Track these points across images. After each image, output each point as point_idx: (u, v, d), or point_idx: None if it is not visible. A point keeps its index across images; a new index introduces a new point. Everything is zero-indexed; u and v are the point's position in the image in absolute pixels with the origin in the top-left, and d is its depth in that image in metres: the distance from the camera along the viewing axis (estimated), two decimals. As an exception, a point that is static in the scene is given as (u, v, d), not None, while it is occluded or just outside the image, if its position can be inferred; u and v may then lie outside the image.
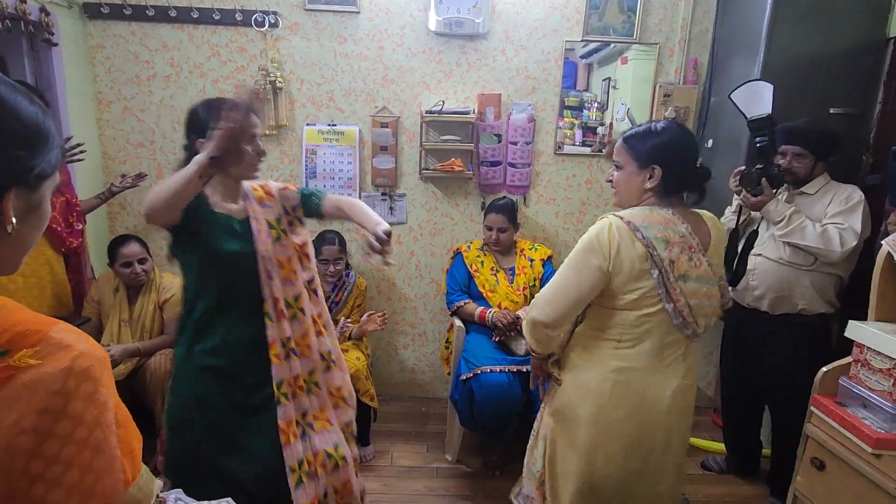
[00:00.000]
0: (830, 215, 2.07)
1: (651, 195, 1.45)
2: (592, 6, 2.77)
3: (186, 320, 1.56)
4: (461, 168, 2.84)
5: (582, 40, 2.81)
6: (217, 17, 2.70)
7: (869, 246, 2.07)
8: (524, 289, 2.66)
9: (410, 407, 3.11)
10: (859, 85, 2.39)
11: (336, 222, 2.97)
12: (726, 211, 2.35)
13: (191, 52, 2.77)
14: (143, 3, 2.68)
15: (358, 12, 2.75)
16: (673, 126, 1.47)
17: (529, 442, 1.73)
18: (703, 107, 2.84)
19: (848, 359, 1.70)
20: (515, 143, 2.91)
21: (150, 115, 2.82)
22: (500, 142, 2.90)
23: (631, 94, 2.86)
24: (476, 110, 2.83)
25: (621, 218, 1.40)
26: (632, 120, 2.85)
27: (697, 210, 1.51)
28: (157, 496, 0.72)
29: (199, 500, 0.80)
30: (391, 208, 2.99)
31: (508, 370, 2.36)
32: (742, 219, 2.23)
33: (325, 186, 2.91)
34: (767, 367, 2.24)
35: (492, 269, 2.72)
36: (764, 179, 2.05)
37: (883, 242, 1.70)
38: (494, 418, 2.35)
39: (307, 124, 2.86)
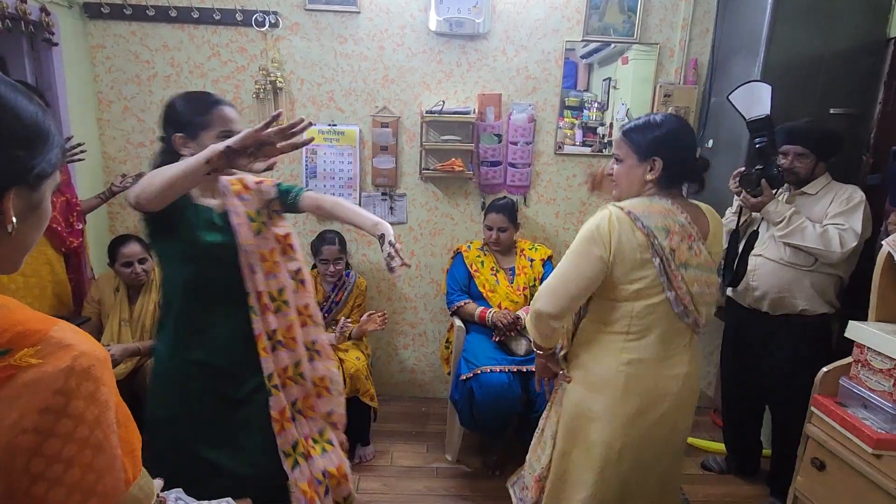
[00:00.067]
0: (831, 216, 2.07)
1: (651, 186, 1.47)
2: (593, 6, 2.77)
3: (166, 316, 1.54)
4: (461, 168, 2.84)
5: (582, 40, 2.81)
6: (217, 17, 2.70)
7: (869, 246, 2.07)
8: (524, 289, 2.66)
9: (410, 407, 3.11)
10: (859, 85, 2.39)
11: (335, 222, 2.97)
12: (727, 212, 2.35)
13: (191, 52, 2.77)
14: (144, 3, 2.68)
15: (358, 12, 2.75)
16: (671, 118, 1.49)
17: (533, 440, 1.73)
18: (703, 107, 2.84)
19: (848, 359, 1.70)
20: (516, 143, 2.91)
21: (151, 114, 2.82)
22: (500, 142, 2.90)
23: (631, 95, 2.86)
24: (476, 110, 2.83)
25: (621, 208, 1.42)
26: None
27: (695, 202, 1.54)
28: (157, 496, 0.72)
29: (198, 499, 0.81)
30: (391, 208, 2.99)
31: (508, 370, 2.36)
32: (742, 220, 2.23)
33: (325, 186, 2.91)
34: (768, 367, 2.24)
35: (492, 269, 2.72)
36: (764, 180, 2.05)
37: (883, 243, 1.70)
38: (494, 418, 2.35)
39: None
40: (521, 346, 2.49)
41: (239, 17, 2.70)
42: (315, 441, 1.64)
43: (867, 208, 2.07)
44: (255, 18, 2.70)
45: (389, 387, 3.20)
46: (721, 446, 2.65)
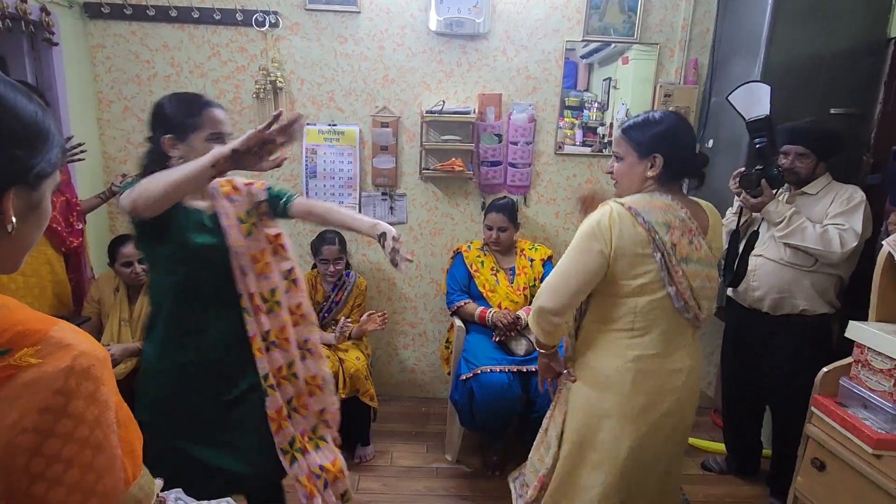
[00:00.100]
0: (831, 216, 2.07)
1: (652, 183, 1.47)
2: (593, 6, 2.77)
3: (155, 318, 1.53)
4: (461, 168, 2.84)
5: (582, 40, 2.81)
6: (217, 17, 2.70)
7: (870, 246, 2.07)
8: (524, 289, 2.66)
9: (410, 407, 3.11)
10: (860, 85, 2.39)
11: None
12: (728, 212, 2.35)
13: (191, 51, 2.77)
14: (144, 3, 2.68)
15: (358, 12, 2.75)
16: (670, 114, 1.51)
17: (537, 439, 1.72)
18: (703, 107, 2.84)
19: (848, 359, 1.70)
20: (516, 143, 2.91)
21: (151, 114, 2.82)
22: (500, 142, 2.90)
23: (631, 95, 2.86)
24: (476, 110, 2.83)
25: (622, 204, 1.42)
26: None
27: (694, 198, 1.55)
28: (157, 496, 0.72)
29: (198, 499, 0.80)
30: (391, 208, 2.99)
31: (508, 370, 2.36)
32: (743, 220, 2.23)
33: (325, 186, 2.91)
34: (768, 367, 2.24)
35: (492, 269, 2.72)
36: (763, 181, 2.05)
37: (884, 243, 1.70)
38: (494, 418, 2.35)
39: (307, 124, 2.86)
40: (521, 346, 2.49)
41: (239, 16, 2.70)
42: (309, 438, 1.66)
43: (868, 208, 2.07)
44: (256, 18, 2.70)
45: (389, 387, 3.20)
46: (721, 446, 2.65)
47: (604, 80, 2.87)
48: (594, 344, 1.53)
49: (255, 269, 1.54)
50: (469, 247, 2.79)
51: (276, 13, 2.72)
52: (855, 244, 2.01)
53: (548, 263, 2.74)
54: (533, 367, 2.35)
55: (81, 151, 2.22)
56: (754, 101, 1.96)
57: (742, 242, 2.21)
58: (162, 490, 0.74)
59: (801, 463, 1.77)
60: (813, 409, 1.73)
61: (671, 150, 1.44)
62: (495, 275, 2.70)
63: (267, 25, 2.72)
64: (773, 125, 1.97)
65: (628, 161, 1.49)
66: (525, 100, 2.89)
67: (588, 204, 1.72)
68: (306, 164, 2.89)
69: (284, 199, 1.65)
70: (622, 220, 1.40)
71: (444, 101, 2.79)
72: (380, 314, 2.59)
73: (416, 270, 3.09)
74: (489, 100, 2.84)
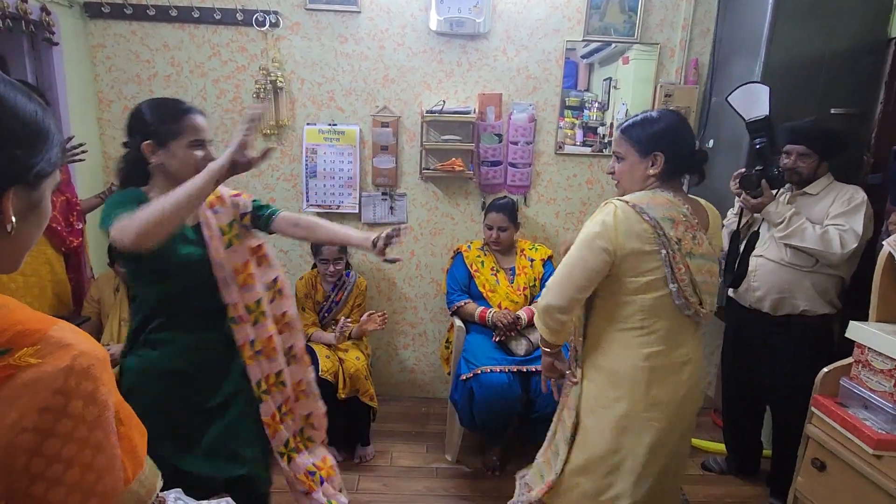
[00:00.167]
0: (832, 216, 2.07)
1: (654, 181, 1.48)
2: (593, 6, 2.77)
3: (139, 331, 1.51)
4: (462, 168, 2.84)
5: (583, 40, 2.81)
6: (218, 17, 2.70)
7: (871, 246, 2.07)
8: (524, 289, 2.66)
9: (410, 407, 3.11)
10: (860, 85, 2.39)
11: (335, 223, 2.97)
12: (728, 212, 2.35)
13: (192, 51, 2.77)
14: (144, 3, 2.68)
15: (359, 12, 2.75)
16: (668, 112, 1.54)
17: (545, 444, 1.72)
18: (703, 107, 2.84)
19: (849, 359, 1.70)
20: (516, 143, 2.91)
21: (151, 114, 2.82)
22: (500, 141, 2.90)
23: (632, 94, 2.86)
24: (477, 110, 2.83)
25: (626, 202, 1.43)
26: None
27: (693, 196, 1.56)
28: (157, 495, 0.72)
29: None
30: (391, 208, 2.99)
31: (508, 370, 2.36)
32: (744, 221, 2.23)
33: (325, 186, 2.91)
34: (768, 367, 2.24)
35: (492, 269, 2.72)
36: (764, 181, 2.05)
37: (884, 243, 1.70)
38: (494, 418, 2.35)
39: (308, 124, 2.86)
40: (521, 347, 2.49)
41: (239, 16, 2.70)
42: (299, 440, 1.70)
43: (869, 209, 2.06)
44: (256, 18, 2.70)
45: (389, 387, 3.20)
46: (721, 447, 2.65)
47: (604, 80, 2.87)
48: (604, 344, 1.52)
49: (238, 280, 1.54)
50: (469, 247, 2.79)
51: (276, 13, 2.72)
52: (855, 245, 2.00)
53: (548, 263, 2.74)
54: (533, 368, 2.35)
55: (82, 152, 2.22)
56: (753, 101, 1.96)
57: (743, 243, 2.21)
58: (161, 490, 0.74)
59: (801, 463, 1.77)
60: (813, 409, 1.73)
61: (671, 147, 1.46)
62: (495, 275, 2.70)
63: (267, 25, 2.72)
64: (772, 126, 1.97)
65: (630, 160, 1.51)
66: (525, 100, 2.89)
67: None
68: (306, 164, 2.89)
69: (269, 212, 1.64)
70: (627, 218, 1.41)
71: (444, 101, 2.79)
72: (380, 314, 2.59)
73: (416, 270, 3.09)
74: (489, 99, 2.84)
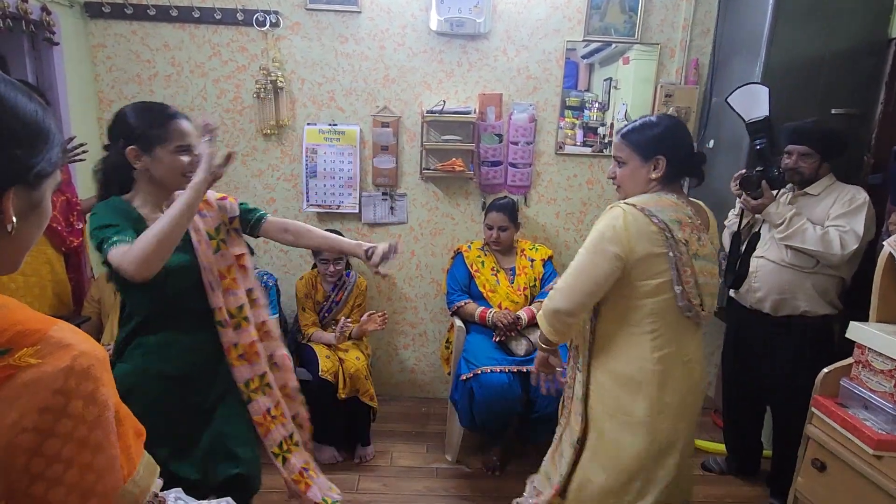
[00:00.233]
0: (833, 217, 2.07)
1: (656, 184, 1.49)
2: (594, 6, 2.77)
3: (130, 336, 1.51)
4: (462, 168, 2.84)
5: (583, 40, 2.81)
6: (218, 17, 2.70)
7: (872, 247, 2.07)
8: (525, 289, 2.66)
9: (410, 407, 3.11)
10: (860, 85, 2.39)
11: (335, 223, 2.97)
12: (729, 213, 2.35)
13: (192, 51, 2.77)
14: (145, 3, 2.68)
15: (359, 12, 2.75)
16: (665, 116, 1.56)
17: (551, 448, 1.72)
18: (704, 107, 2.83)
19: (849, 360, 1.70)
20: (516, 143, 2.91)
21: (151, 114, 2.82)
22: (500, 142, 2.90)
23: (632, 95, 2.86)
24: (477, 110, 2.83)
25: (634, 205, 1.43)
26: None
27: (691, 198, 1.57)
28: (157, 495, 0.72)
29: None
30: (392, 208, 2.99)
31: (508, 370, 2.36)
32: (744, 222, 2.23)
33: (325, 186, 2.91)
34: (769, 368, 2.24)
35: (492, 269, 2.71)
36: (764, 182, 2.05)
37: (885, 243, 1.70)
38: (494, 419, 2.35)
39: (308, 124, 2.86)
40: (521, 347, 2.49)
41: (240, 16, 2.70)
42: (290, 443, 1.70)
43: (871, 209, 2.06)
44: (256, 18, 2.70)
45: (389, 387, 3.20)
46: (721, 447, 2.65)
47: (604, 80, 2.87)
48: (614, 347, 1.52)
49: (223, 284, 1.54)
50: (469, 247, 2.79)
51: (276, 13, 2.72)
52: (856, 246, 2.00)
53: (548, 264, 2.74)
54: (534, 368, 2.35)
55: (83, 152, 2.22)
56: (753, 102, 1.96)
57: (744, 244, 2.21)
58: (161, 490, 0.74)
59: (801, 463, 1.77)
60: (813, 409, 1.73)
61: (672, 150, 1.47)
62: (496, 275, 2.70)
63: (268, 25, 2.72)
64: (772, 126, 1.97)
65: (632, 165, 1.51)
66: (526, 100, 2.89)
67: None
68: (306, 164, 2.89)
69: (257, 215, 1.64)
70: (637, 221, 1.41)
71: (444, 101, 2.79)
72: (380, 314, 2.59)
73: (417, 270, 3.09)
74: (490, 100, 2.84)
